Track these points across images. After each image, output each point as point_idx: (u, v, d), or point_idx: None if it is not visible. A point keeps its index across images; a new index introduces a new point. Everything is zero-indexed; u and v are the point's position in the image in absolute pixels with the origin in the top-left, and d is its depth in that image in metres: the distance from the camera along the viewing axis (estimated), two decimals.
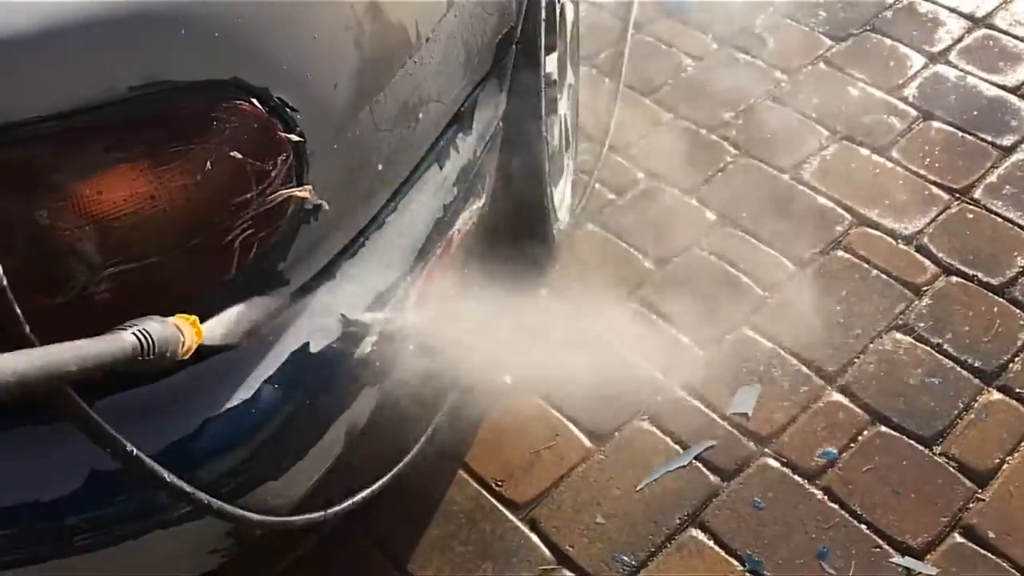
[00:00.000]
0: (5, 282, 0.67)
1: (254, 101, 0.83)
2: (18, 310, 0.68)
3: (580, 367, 1.69)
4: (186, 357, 0.81)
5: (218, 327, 0.87)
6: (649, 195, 1.97)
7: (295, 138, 0.87)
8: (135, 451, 0.77)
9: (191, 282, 0.86)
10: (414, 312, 1.10)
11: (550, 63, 1.51)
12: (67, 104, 0.74)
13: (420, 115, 1.06)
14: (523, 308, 1.68)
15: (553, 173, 1.61)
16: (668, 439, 1.60)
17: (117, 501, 0.87)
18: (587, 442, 1.61)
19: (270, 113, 0.85)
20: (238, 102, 0.82)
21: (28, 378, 0.62)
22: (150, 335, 0.75)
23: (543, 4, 1.35)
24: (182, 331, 0.80)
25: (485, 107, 1.20)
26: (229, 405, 0.90)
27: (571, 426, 1.63)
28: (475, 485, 1.56)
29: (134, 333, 0.74)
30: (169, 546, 0.91)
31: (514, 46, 1.25)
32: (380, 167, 1.01)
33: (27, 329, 0.69)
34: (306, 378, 0.95)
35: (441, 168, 1.12)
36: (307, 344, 0.95)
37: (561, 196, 1.74)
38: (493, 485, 1.56)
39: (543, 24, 1.36)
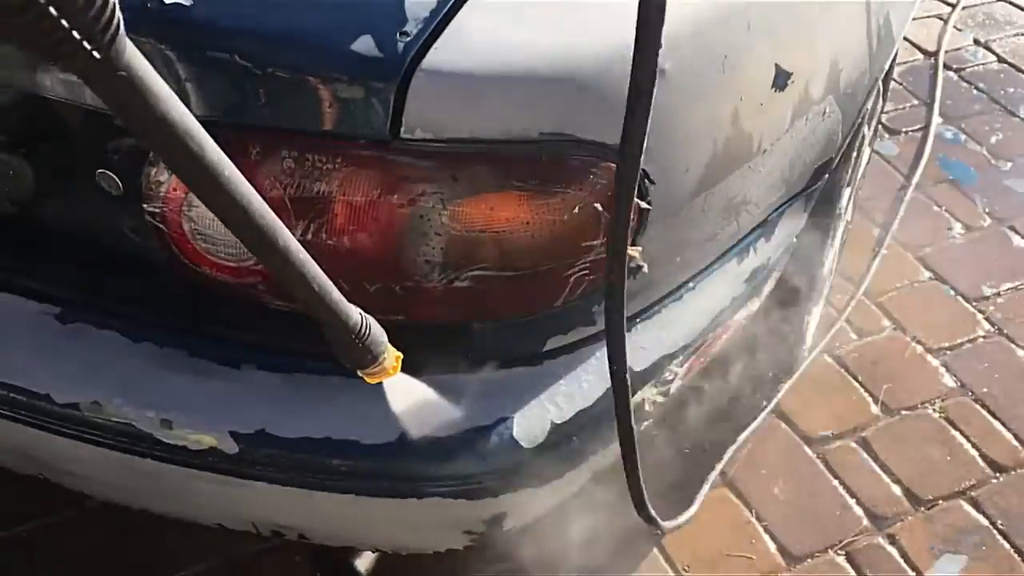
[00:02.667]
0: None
1: None
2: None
3: (791, 484, 1.75)
4: (371, 376, 0.91)
5: (403, 387, 0.96)
6: (891, 345, 2.00)
7: (644, 205, 1.01)
8: None
9: (528, 299, 1.01)
10: (676, 383, 1.21)
11: (844, 196, 1.61)
12: (498, 134, 0.91)
13: (739, 213, 1.18)
14: (747, 417, 1.77)
15: (815, 297, 1.69)
16: None
17: (411, 464, 1.02)
18: (779, 558, 1.65)
19: None
20: (612, 164, 0.97)
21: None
22: (371, 329, 0.86)
23: (857, 145, 1.45)
24: (388, 355, 0.90)
25: (788, 221, 1.31)
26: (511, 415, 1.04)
27: (767, 538, 1.68)
28: (664, 564, 1.63)
29: (363, 316, 0.86)
30: (436, 514, 1.05)
31: (827, 175, 1.36)
32: (695, 248, 1.14)
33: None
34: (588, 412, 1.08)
35: (739, 264, 1.24)
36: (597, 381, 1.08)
37: (812, 321, 1.82)
38: (681, 569, 1.63)
39: (853, 161, 1.46)
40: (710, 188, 1.10)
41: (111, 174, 0.98)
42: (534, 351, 1.07)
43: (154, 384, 1.03)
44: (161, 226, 0.97)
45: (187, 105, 0.63)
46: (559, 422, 1.05)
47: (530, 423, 1.03)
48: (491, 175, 0.93)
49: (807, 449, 1.81)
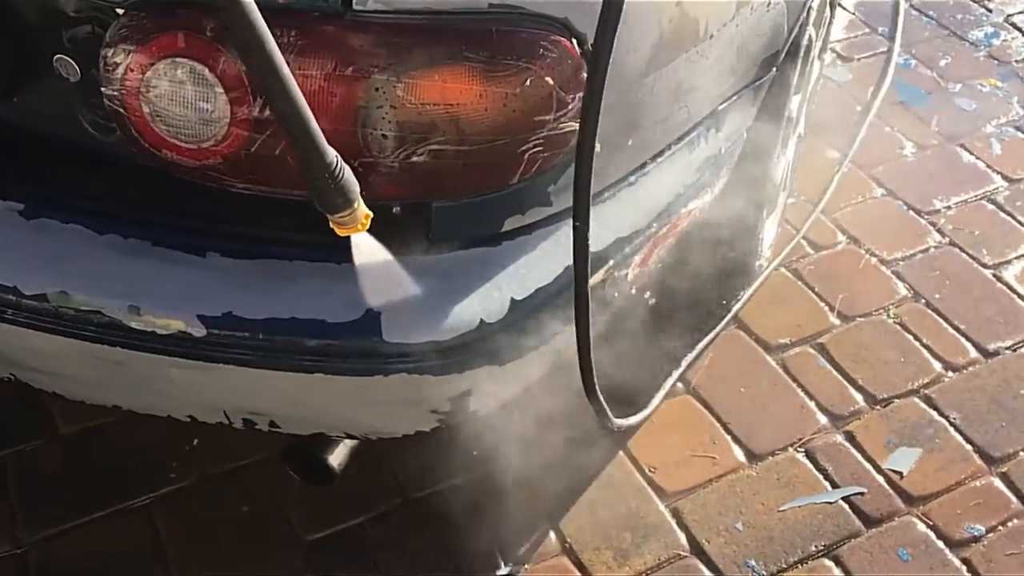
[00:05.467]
0: None
1: (574, 41, 1.01)
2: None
3: (751, 389, 1.80)
4: (341, 224, 0.93)
5: (368, 247, 0.99)
6: (846, 258, 2.06)
7: None
8: None
9: (483, 175, 1.04)
10: (634, 271, 1.25)
11: (794, 102, 1.65)
12: (444, 5, 0.94)
13: (687, 100, 1.21)
14: (707, 318, 1.81)
15: (767, 205, 1.74)
16: (820, 475, 1.68)
17: (376, 340, 1.05)
18: (741, 457, 1.70)
19: (583, 55, 1.02)
20: (562, 39, 1.00)
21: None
22: (344, 173, 0.90)
23: (802, 43, 1.49)
24: (360, 207, 0.92)
25: (736, 114, 1.35)
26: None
27: (729, 439, 1.73)
28: (629, 465, 1.68)
29: (338, 159, 0.89)
30: (403, 392, 1.08)
31: (774, 69, 1.39)
32: (645, 132, 1.17)
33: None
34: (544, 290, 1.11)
35: (690, 152, 1.27)
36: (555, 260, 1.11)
37: (767, 233, 1.86)
38: (647, 470, 1.67)
39: (799, 61, 1.49)
40: (658, 71, 1.13)
41: (68, 59, 1.00)
42: (492, 231, 1.10)
43: (120, 272, 1.05)
44: (120, 110, 0.99)
45: None
46: (519, 298, 1.08)
47: (491, 299, 1.07)
48: (443, 47, 0.96)
49: (767, 356, 1.86)
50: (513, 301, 1.08)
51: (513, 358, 1.12)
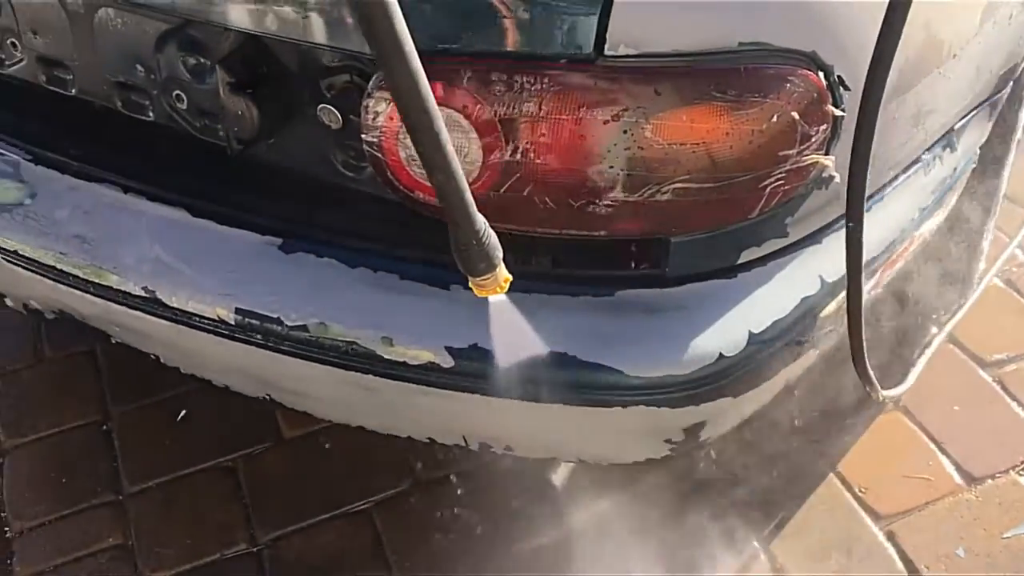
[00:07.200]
0: None
1: (820, 74, 0.99)
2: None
3: (966, 407, 1.73)
4: (481, 287, 0.94)
5: (507, 310, 1.00)
6: None
7: (839, 113, 1.02)
8: None
9: (725, 210, 1.04)
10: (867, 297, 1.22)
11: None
12: (698, 47, 0.94)
13: (925, 122, 1.17)
14: (924, 330, 1.75)
15: (992, 216, 1.66)
16: None
17: (617, 373, 1.06)
18: (957, 479, 1.64)
19: (828, 87, 1.00)
20: (809, 72, 0.99)
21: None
22: (490, 237, 0.90)
23: None
24: (501, 270, 0.93)
25: (972, 131, 1.29)
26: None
27: (944, 460, 1.67)
28: (839, 485, 1.65)
29: (486, 226, 0.89)
30: (640, 423, 1.10)
31: (1010, 83, 1.33)
32: (884, 158, 1.14)
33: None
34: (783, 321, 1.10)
35: (925, 175, 1.23)
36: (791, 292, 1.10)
37: (986, 243, 1.78)
38: (857, 490, 1.64)
39: None
40: (901, 95, 1.10)
41: (332, 108, 1.06)
42: (729, 264, 1.10)
43: (373, 305, 1.11)
44: (378, 154, 1.04)
45: None
46: (756, 331, 1.08)
47: (729, 333, 1.07)
48: (692, 88, 0.96)
49: (982, 372, 1.79)
50: (750, 334, 1.07)
51: (748, 389, 1.12)
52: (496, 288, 0.94)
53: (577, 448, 1.19)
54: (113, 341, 1.29)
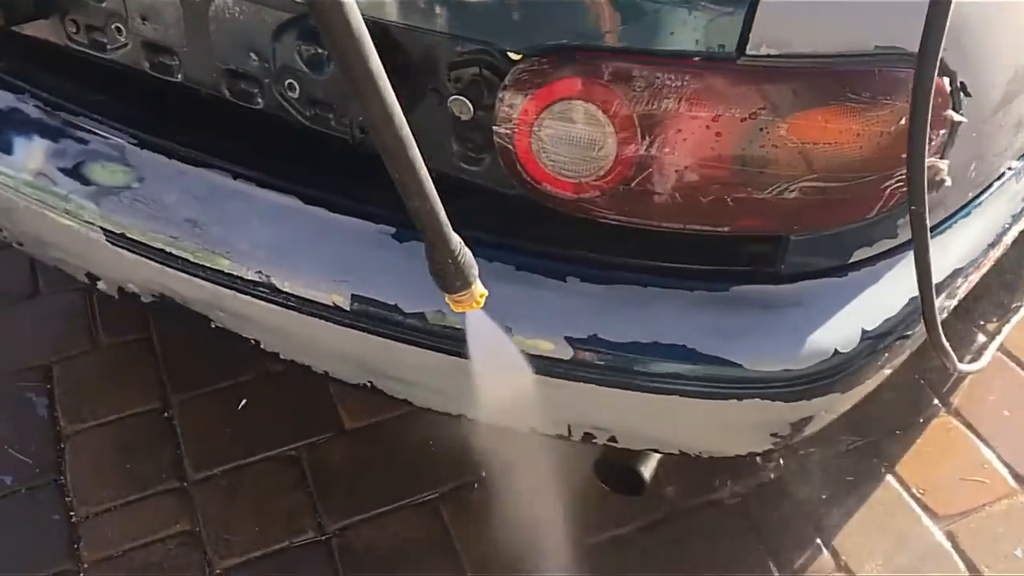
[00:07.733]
0: None
1: (946, 80, 1.02)
2: None
3: (1017, 413, 1.77)
4: (458, 302, 0.97)
5: (484, 325, 1.03)
6: None
7: (957, 118, 1.05)
8: None
9: (846, 209, 1.07)
10: (952, 301, 1.25)
11: None
12: (836, 49, 0.97)
13: (1021, 130, 1.21)
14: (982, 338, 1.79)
15: None
16: None
17: (737, 367, 1.09)
18: (1012, 482, 1.68)
19: (951, 93, 1.03)
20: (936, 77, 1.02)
21: None
22: (465, 256, 0.94)
23: None
24: (477, 286, 0.96)
25: None
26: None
27: (998, 463, 1.71)
28: (897, 486, 1.68)
29: (461, 245, 0.93)
30: (751, 416, 1.13)
31: None
32: (987, 163, 1.17)
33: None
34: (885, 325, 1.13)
35: (1017, 182, 1.27)
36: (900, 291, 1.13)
37: None
38: (916, 491, 1.67)
39: None
40: (1009, 103, 1.13)
41: (465, 100, 1.07)
42: (842, 262, 1.12)
43: (491, 295, 1.12)
44: (508, 146, 1.06)
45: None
46: (869, 329, 1.10)
47: (844, 329, 1.09)
48: (828, 89, 0.99)
49: None
50: (863, 331, 1.10)
51: (855, 385, 1.15)
52: (472, 304, 0.98)
53: (682, 440, 1.21)
54: (212, 326, 1.30)
